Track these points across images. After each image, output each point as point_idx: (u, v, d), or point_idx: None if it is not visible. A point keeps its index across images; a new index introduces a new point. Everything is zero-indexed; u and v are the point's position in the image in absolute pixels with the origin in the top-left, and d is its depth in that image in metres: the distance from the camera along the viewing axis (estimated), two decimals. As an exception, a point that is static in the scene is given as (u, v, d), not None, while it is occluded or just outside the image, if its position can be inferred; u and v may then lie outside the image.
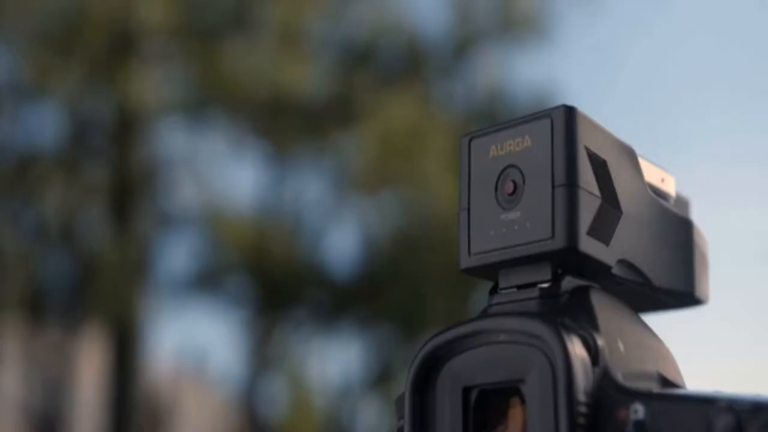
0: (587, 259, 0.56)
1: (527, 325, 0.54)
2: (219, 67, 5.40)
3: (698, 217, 0.65)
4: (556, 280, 0.56)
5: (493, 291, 0.58)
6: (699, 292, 0.64)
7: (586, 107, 0.56)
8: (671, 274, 0.62)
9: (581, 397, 0.51)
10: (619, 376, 0.53)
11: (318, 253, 5.74)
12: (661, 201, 0.62)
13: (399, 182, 5.59)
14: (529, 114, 0.57)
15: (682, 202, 0.65)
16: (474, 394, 0.56)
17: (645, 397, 0.52)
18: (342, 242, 5.85)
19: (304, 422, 6.12)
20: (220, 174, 5.78)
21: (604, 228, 0.57)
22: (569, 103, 0.56)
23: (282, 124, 5.59)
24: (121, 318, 5.38)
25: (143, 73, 5.31)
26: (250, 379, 6.04)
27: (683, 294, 0.63)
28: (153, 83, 5.35)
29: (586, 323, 0.54)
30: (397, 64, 5.80)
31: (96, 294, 5.35)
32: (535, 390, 0.53)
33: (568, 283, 0.56)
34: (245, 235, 5.61)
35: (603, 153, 0.57)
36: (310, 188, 5.77)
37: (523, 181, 0.56)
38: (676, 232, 0.63)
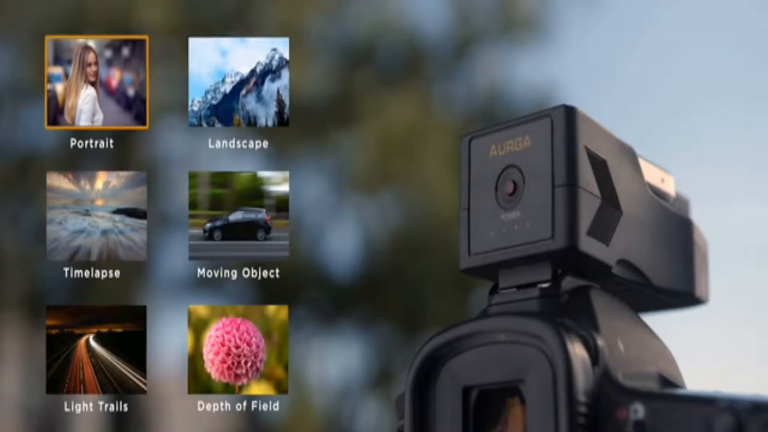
0: (587, 259, 0.56)
1: (527, 325, 0.54)
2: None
3: (698, 217, 0.65)
4: (556, 280, 0.56)
5: (493, 291, 0.58)
6: (699, 292, 0.64)
7: (586, 107, 0.56)
8: (671, 274, 0.62)
9: (581, 397, 0.51)
10: (619, 376, 0.53)
11: (318, 252, 5.73)
12: (661, 201, 0.62)
13: (399, 182, 5.58)
14: (529, 114, 0.57)
15: (682, 202, 0.65)
16: (474, 394, 0.56)
17: (645, 397, 0.52)
18: (342, 242, 5.84)
19: (304, 422, 6.12)
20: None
21: (604, 228, 0.57)
22: (569, 103, 0.56)
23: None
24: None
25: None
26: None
27: (683, 294, 0.63)
28: (152, 82, 5.34)
29: (586, 323, 0.54)
30: (397, 64, 5.80)
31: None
32: (535, 390, 0.53)
33: (568, 283, 0.56)
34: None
35: (603, 153, 0.57)
36: (309, 188, 5.77)
37: (523, 181, 0.56)
38: (676, 232, 0.63)
